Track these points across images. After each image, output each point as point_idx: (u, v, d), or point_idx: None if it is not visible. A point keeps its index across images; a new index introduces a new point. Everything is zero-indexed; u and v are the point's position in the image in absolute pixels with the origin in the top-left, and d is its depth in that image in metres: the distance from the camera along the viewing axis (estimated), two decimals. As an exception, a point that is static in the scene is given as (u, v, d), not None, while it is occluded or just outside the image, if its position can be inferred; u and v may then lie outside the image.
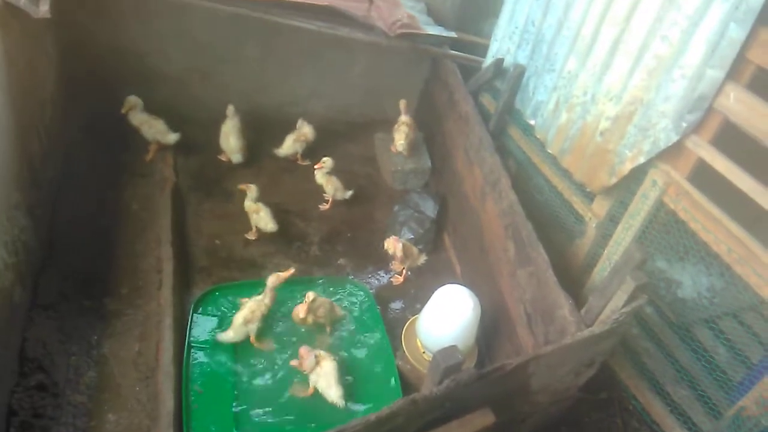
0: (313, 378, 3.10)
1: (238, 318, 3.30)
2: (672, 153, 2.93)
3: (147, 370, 3.14)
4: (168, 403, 2.90)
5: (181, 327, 3.34)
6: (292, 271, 3.46)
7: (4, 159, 2.98)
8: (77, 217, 3.72)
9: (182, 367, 3.14)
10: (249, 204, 3.93)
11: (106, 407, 2.95)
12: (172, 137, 4.28)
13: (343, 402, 3.10)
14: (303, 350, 3.13)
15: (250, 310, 3.31)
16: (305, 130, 4.58)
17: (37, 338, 3.02)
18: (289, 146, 4.59)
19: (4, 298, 2.81)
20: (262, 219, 3.92)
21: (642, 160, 3.03)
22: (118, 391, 3.03)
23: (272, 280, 3.39)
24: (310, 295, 3.37)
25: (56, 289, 3.31)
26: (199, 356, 3.27)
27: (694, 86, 2.71)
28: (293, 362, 3.13)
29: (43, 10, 3.15)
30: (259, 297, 3.37)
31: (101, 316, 3.32)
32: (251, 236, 4.04)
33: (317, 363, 3.09)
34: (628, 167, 3.10)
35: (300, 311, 3.39)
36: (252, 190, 3.91)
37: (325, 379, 3.07)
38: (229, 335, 3.28)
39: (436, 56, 4.62)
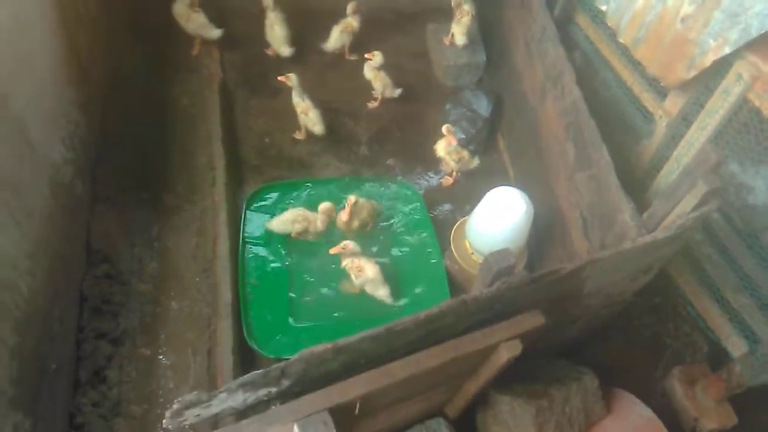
0: (359, 282, 3.16)
1: (288, 215, 3.33)
2: (764, 42, 2.58)
3: (205, 262, 3.27)
4: (226, 294, 3.05)
5: (235, 222, 3.44)
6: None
7: (55, 55, 2.96)
8: (128, 112, 3.74)
9: (238, 260, 3.26)
10: (297, 101, 3.81)
11: (169, 296, 3.12)
12: (216, 32, 4.12)
13: (392, 299, 3.17)
14: (346, 243, 3.15)
15: (304, 216, 3.35)
16: (351, 21, 4.30)
17: (101, 230, 3.16)
18: (336, 39, 4.36)
19: (66, 192, 2.91)
20: (311, 120, 3.83)
21: (727, 50, 2.69)
22: (180, 281, 3.19)
23: (324, 207, 3.36)
24: (351, 199, 3.36)
25: (114, 183, 3.41)
26: (254, 251, 3.38)
27: (803, -40, 2.32)
28: (333, 249, 3.16)
29: None
30: (316, 215, 3.39)
31: (160, 210, 3.43)
32: (299, 136, 3.98)
33: (360, 269, 3.11)
34: (710, 59, 2.77)
35: (343, 216, 3.39)
36: (292, 80, 3.76)
37: (371, 284, 3.14)
38: (272, 224, 3.37)
39: (497, -67, 4.16)
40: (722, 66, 2.78)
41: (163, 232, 3.36)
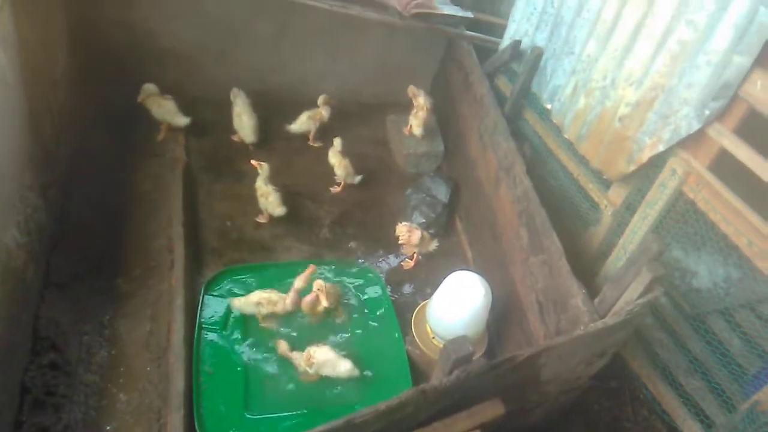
0: (313, 370, 3.08)
1: (254, 297, 3.31)
2: (693, 141, 2.85)
3: (158, 350, 3.17)
4: (179, 383, 2.92)
5: (193, 308, 3.36)
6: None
7: (18, 139, 2.98)
8: (90, 196, 3.73)
9: (193, 348, 3.16)
10: (260, 185, 3.89)
11: (118, 387, 2.98)
12: (183, 120, 4.24)
13: (357, 370, 3.10)
14: (279, 342, 3.17)
15: (269, 299, 3.32)
16: (321, 111, 4.51)
17: (50, 317, 3.05)
18: (302, 122, 4.53)
19: (16, 278, 2.83)
20: (271, 204, 3.90)
21: (661, 148, 2.95)
22: (130, 370, 3.06)
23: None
24: (319, 283, 3.36)
25: (69, 268, 3.33)
26: (210, 337, 3.28)
27: (719, 73, 2.62)
28: (281, 351, 3.16)
29: (54, -13, 3.11)
30: (284, 296, 3.37)
31: (113, 296, 3.34)
32: (262, 219, 4.02)
33: (310, 358, 3.06)
34: (647, 155, 3.02)
35: (310, 300, 3.38)
36: (264, 169, 3.88)
37: (328, 366, 3.07)
38: (235, 303, 3.33)
39: (452, 37, 4.52)
40: (659, 161, 3.03)
41: (115, 319, 3.26)
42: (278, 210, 3.92)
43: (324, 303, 3.35)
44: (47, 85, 3.47)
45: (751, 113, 2.63)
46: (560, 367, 2.56)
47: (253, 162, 3.90)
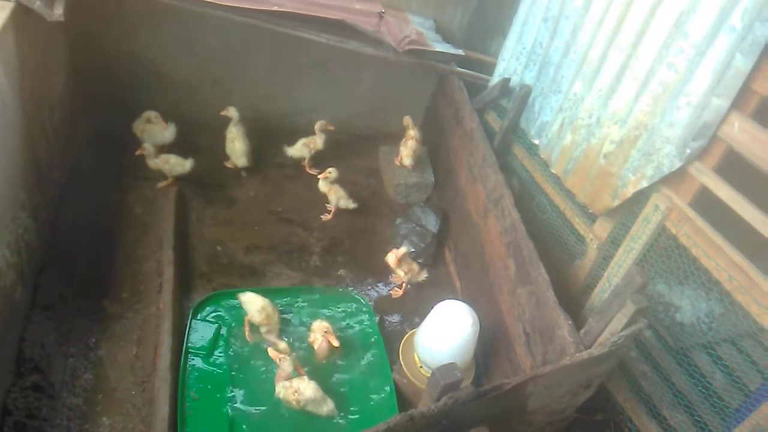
0: (301, 404, 3.05)
1: (260, 301, 3.35)
2: (675, 179, 2.95)
3: (144, 375, 3.14)
4: (163, 408, 2.89)
5: (180, 332, 3.34)
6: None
7: (12, 160, 3.00)
8: (80, 218, 3.74)
9: (179, 372, 3.14)
10: (230, 128, 4.35)
11: (101, 410, 2.95)
12: (169, 134, 4.25)
13: (337, 411, 3.10)
14: (283, 357, 3.10)
15: (269, 310, 3.36)
16: (316, 138, 4.61)
17: (35, 339, 3.02)
18: (298, 148, 4.64)
19: (4, 298, 2.81)
20: (236, 151, 4.42)
21: (645, 184, 3.04)
22: (114, 394, 3.03)
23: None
24: (325, 326, 3.36)
25: (56, 290, 3.32)
26: (196, 362, 3.26)
27: (699, 114, 2.74)
28: (271, 353, 3.12)
29: (57, 13, 3.19)
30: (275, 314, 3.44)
31: (100, 319, 3.32)
32: (229, 165, 4.46)
33: (298, 392, 3.02)
34: (630, 191, 3.11)
35: (333, 342, 3.33)
36: (232, 112, 4.32)
37: (312, 403, 3.04)
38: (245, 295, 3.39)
39: (443, 73, 4.66)
40: (642, 197, 3.13)
41: (101, 342, 3.23)
42: (241, 160, 4.34)
43: (335, 343, 3.32)
44: (44, 107, 3.51)
45: (729, 153, 2.75)
46: (547, 397, 2.58)
47: (222, 113, 4.31)
